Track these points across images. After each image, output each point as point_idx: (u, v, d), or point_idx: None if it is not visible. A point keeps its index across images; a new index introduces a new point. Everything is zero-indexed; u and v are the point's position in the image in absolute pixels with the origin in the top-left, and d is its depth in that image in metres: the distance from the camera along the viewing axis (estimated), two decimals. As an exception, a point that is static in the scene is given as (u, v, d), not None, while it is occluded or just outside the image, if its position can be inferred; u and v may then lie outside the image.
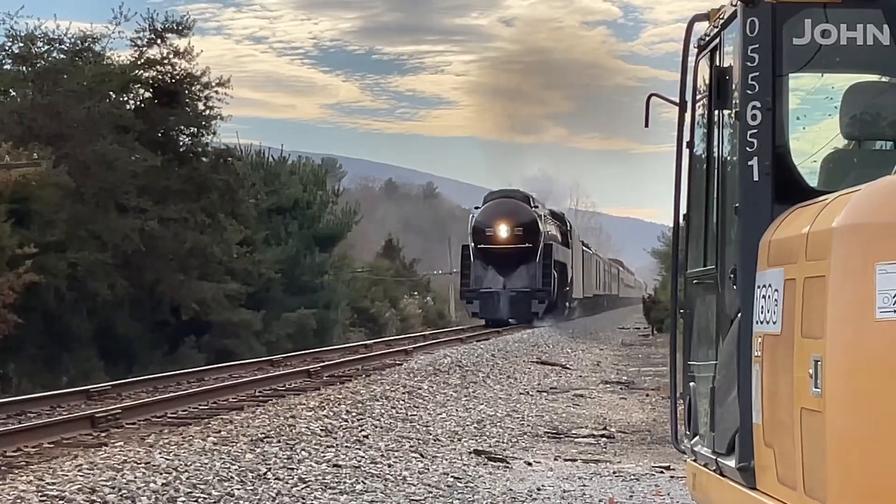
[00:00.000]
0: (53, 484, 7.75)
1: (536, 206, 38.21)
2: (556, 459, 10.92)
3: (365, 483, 9.04)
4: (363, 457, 10.18)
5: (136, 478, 8.22)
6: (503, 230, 36.20)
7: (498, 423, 13.48)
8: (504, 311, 35.77)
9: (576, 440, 12.59)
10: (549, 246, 37.01)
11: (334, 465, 9.55)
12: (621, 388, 18.78)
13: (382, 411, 13.26)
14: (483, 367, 19.95)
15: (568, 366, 22.90)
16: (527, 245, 36.21)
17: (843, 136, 4.99)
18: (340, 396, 14.26)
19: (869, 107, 4.95)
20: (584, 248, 56.11)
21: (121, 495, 7.57)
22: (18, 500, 7.21)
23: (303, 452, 10.00)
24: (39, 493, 7.39)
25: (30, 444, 10.37)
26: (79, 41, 29.01)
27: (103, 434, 11.13)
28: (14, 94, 28.42)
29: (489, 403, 15.26)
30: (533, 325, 34.70)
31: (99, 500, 7.32)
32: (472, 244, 37.37)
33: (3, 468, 9.05)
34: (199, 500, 7.91)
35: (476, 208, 39.37)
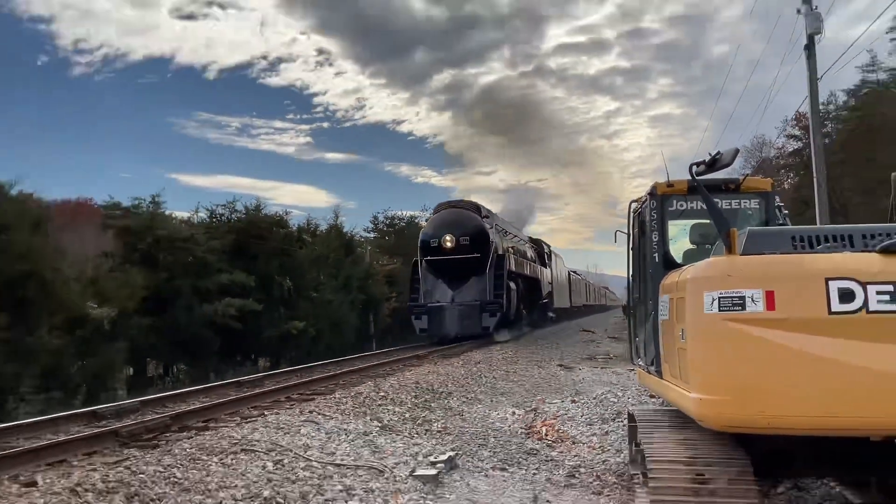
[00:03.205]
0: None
1: (487, 217, 26.80)
2: (590, 368, 16.50)
3: (517, 377, 14.04)
4: (517, 368, 15.49)
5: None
6: (449, 240, 25.16)
7: (567, 354, 19.74)
8: (451, 326, 24.64)
9: (597, 359, 18.60)
10: (502, 257, 25.40)
11: (505, 372, 14.51)
12: (614, 340, 25.99)
13: (525, 352, 19.43)
14: (561, 334, 27.63)
15: (594, 331, 31.08)
16: (474, 255, 24.87)
17: (691, 242, 6.84)
18: (517, 345, 22.37)
19: (700, 232, 6.75)
20: (574, 273, 49.79)
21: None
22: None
23: (495, 368, 15.14)
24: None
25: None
26: (410, 218, 41.66)
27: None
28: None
29: (565, 347, 22.23)
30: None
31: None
32: (421, 258, 25.82)
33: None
34: (455, 384, 12.21)
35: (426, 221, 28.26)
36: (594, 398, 11.41)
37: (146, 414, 9.42)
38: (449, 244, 25.23)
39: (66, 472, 6.21)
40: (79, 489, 5.53)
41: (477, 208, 26.50)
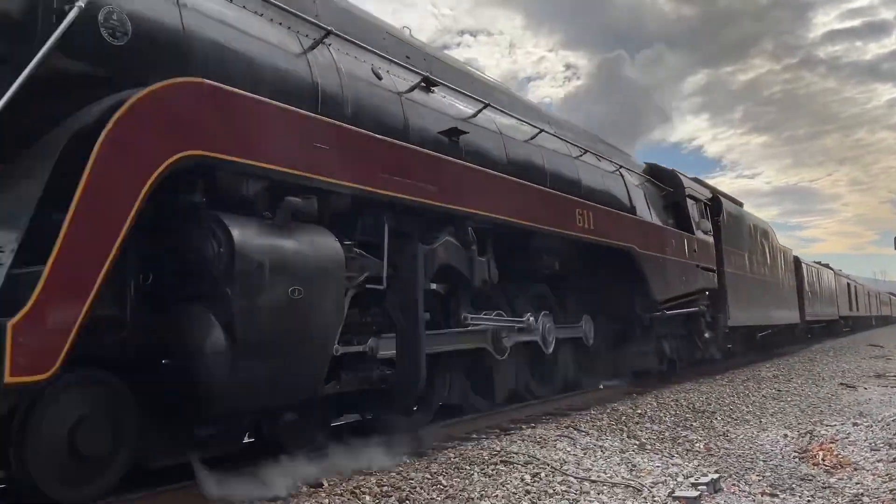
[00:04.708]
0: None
1: None
2: (878, 386, 15.15)
3: (789, 397, 13.27)
4: (790, 387, 14.71)
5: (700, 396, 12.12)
6: None
7: (851, 372, 18.37)
8: None
9: (888, 378, 17.05)
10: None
11: (777, 391, 13.89)
12: (910, 356, 24.33)
13: (801, 369, 18.70)
14: (844, 349, 26.72)
15: (883, 345, 28.95)
16: None
17: None
18: (792, 360, 21.12)
19: None
20: (817, 265, 32.76)
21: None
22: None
23: (764, 387, 14.61)
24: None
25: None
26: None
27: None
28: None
29: (847, 363, 20.65)
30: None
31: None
32: None
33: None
34: (718, 403, 12.11)
35: None
36: (881, 420, 10.52)
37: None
38: None
39: (346, 475, 6.78)
40: (357, 492, 6.14)
41: None
